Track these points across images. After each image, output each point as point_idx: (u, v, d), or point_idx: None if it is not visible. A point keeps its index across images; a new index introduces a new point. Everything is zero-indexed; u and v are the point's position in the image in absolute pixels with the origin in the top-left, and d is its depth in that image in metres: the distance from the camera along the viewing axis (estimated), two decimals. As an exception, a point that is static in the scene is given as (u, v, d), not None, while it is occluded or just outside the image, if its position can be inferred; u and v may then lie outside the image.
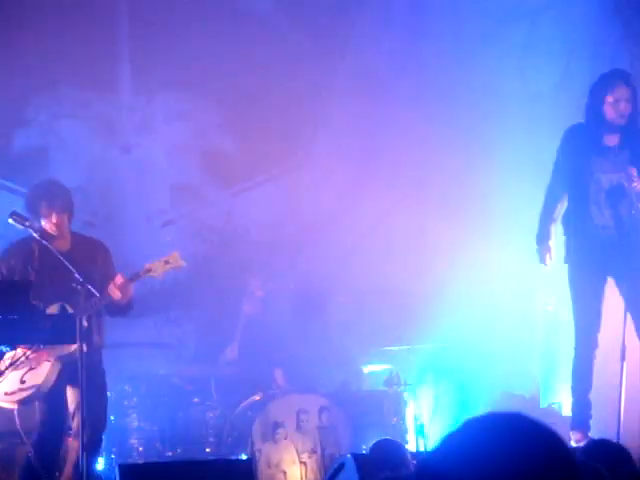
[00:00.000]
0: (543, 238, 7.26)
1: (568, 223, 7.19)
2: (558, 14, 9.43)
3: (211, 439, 7.88)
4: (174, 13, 9.41)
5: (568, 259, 7.18)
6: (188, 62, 9.35)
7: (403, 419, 8.07)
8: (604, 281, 7.09)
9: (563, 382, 8.65)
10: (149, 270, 6.28)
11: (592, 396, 7.20)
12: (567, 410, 8.18)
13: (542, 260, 7.27)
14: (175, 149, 9.64)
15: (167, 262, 6.34)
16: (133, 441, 7.76)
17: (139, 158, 9.54)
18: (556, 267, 7.61)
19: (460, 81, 9.72)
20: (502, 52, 9.58)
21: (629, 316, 6.98)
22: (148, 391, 7.93)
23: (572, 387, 7.24)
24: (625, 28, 9.16)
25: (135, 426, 7.80)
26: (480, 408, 8.44)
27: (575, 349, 7.17)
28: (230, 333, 8.52)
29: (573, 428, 7.17)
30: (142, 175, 9.47)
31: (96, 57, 9.18)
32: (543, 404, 8.54)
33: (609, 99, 7.02)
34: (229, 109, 9.60)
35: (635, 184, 6.91)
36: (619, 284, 7.05)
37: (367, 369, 8.61)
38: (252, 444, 7.56)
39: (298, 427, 7.72)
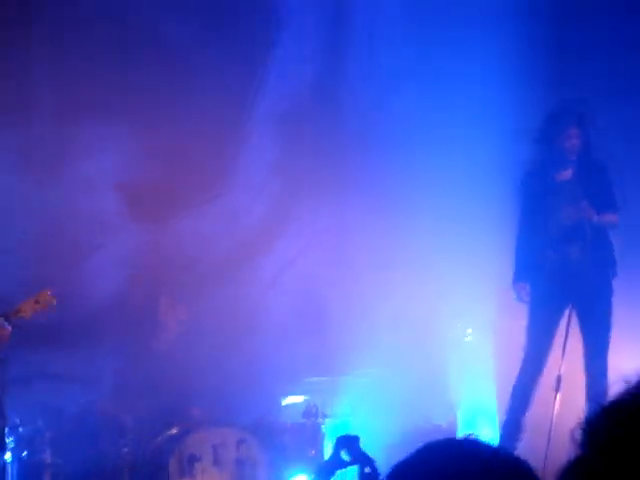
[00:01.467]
0: (519, 278, 7.42)
1: (533, 257, 7.34)
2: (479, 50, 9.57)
3: (126, 474, 7.78)
4: (93, 42, 9.35)
5: (530, 285, 7.35)
6: (109, 91, 9.29)
7: (321, 451, 8.05)
8: (562, 311, 7.24)
9: (480, 413, 8.73)
10: (19, 311, 6.14)
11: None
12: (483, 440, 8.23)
13: (520, 298, 7.44)
14: (98, 179, 9.55)
15: (37, 301, 6.20)
16: (47, 478, 7.65)
17: (60, 189, 9.44)
18: (473, 299, 7.72)
19: (382, 109, 9.82)
20: (421, 89, 9.70)
21: (569, 347, 7.13)
22: (62, 426, 7.83)
23: (509, 407, 7.37)
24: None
25: (49, 462, 7.68)
26: (400, 437, 8.46)
27: (520, 371, 7.33)
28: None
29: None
30: (64, 206, 9.37)
31: (11, 86, 9.08)
32: (460, 434, 8.58)
33: (562, 136, 7.20)
34: (151, 139, 9.55)
35: (591, 216, 7.09)
36: (580, 317, 7.19)
37: (286, 401, 8.58)
38: (168, 479, 7.49)
39: (215, 461, 7.66)
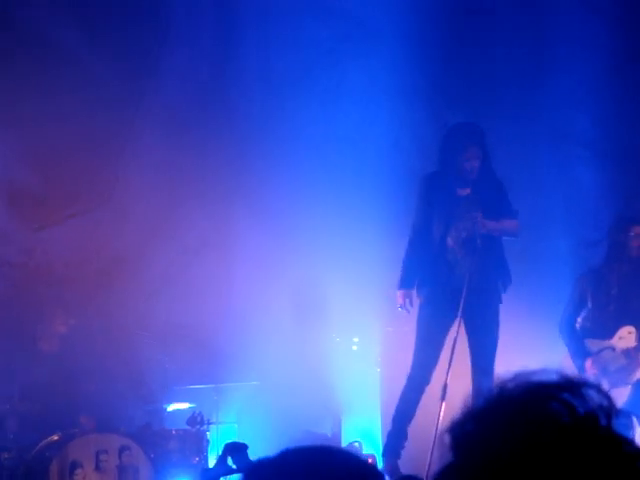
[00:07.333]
0: (406, 284, 7.43)
1: (425, 266, 7.40)
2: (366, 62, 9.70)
3: (6, 480, 7.58)
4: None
5: (421, 293, 7.38)
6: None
7: (205, 459, 7.98)
8: (452, 321, 7.30)
9: (364, 421, 8.79)
10: None
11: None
12: (367, 448, 8.32)
13: (403, 305, 7.42)
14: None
15: None
16: None
17: None
18: (359, 308, 7.77)
19: (268, 126, 9.83)
20: (310, 98, 9.76)
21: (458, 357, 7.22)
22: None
23: (395, 415, 7.41)
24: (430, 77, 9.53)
25: None
26: (285, 445, 8.42)
27: (408, 379, 7.36)
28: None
29: (383, 455, 7.35)
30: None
31: None
32: (345, 442, 8.63)
33: (463, 157, 7.33)
34: (32, 143, 9.36)
35: (483, 227, 7.22)
36: (467, 328, 7.28)
37: (170, 407, 8.48)
38: (49, 485, 7.32)
39: (97, 467, 7.52)
